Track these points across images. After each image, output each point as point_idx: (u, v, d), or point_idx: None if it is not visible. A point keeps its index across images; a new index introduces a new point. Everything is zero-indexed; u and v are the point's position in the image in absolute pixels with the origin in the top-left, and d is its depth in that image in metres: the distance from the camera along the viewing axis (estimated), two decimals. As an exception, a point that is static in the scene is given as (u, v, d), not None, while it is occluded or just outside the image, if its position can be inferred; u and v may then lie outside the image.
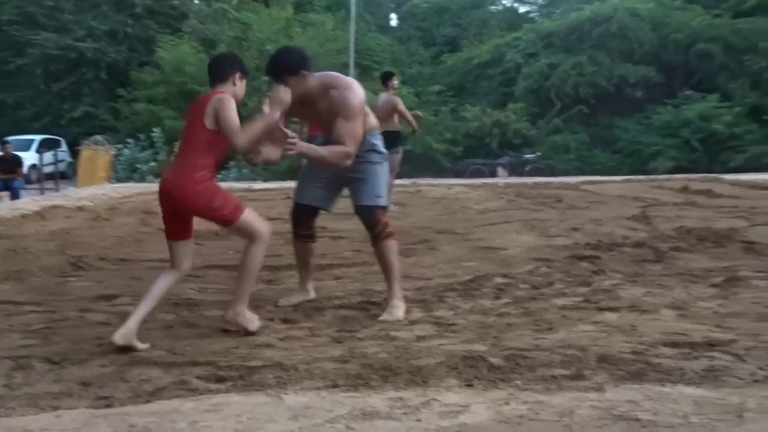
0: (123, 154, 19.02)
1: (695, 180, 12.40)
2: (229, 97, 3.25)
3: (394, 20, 32.20)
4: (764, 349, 2.91)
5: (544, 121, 21.61)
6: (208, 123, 3.20)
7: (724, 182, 11.89)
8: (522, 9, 32.24)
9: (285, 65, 3.56)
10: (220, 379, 2.69)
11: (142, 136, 19.51)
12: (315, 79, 3.61)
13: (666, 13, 22.66)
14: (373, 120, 3.81)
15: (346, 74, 17.40)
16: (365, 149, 3.69)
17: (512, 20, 29.02)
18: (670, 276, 4.50)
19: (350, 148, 3.49)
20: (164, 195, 3.27)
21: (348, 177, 3.73)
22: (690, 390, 2.42)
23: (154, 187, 13.46)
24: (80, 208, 9.27)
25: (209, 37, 21.64)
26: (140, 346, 3.10)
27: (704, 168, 17.32)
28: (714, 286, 4.19)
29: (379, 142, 3.80)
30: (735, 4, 24.00)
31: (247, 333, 3.31)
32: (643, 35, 21.79)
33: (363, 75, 23.14)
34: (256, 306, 3.91)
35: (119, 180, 17.61)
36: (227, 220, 3.27)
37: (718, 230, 6.14)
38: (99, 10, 23.05)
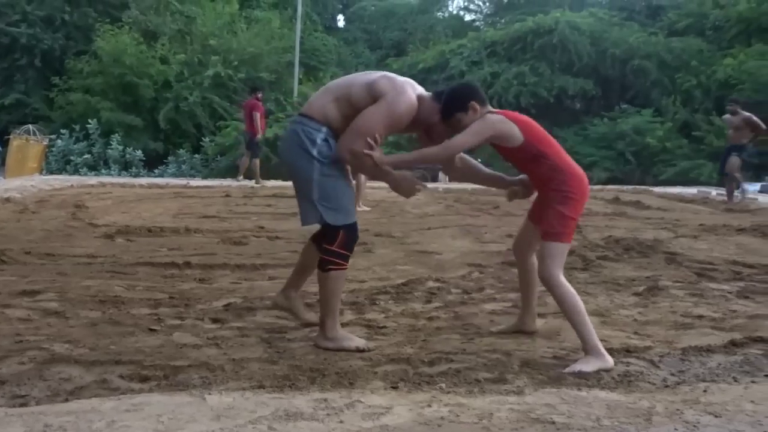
0: (56, 144, 18.41)
1: (626, 191, 12.88)
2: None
3: (341, 21, 32.18)
4: (677, 356, 3.05)
5: (486, 129, 21.94)
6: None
7: (653, 194, 12.38)
8: (467, 17, 32.69)
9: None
10: (143, 379, 2.65)
11: (76, 128, 18.92)
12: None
13: (604, 29, 23.37)
14: None
15: (291, 74, 17.30)
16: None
17: (457, 27, 29.38)
18: (596, 284, 4.66)
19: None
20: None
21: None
22: (604, 394, 2.52)
23: (87, 180, 13.12)
24: (7, 200, 8.95)
25: (151, 28, 21.15)
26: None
27: (637, 180, 17.95)
28: (636, 294, 4.36)
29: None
30: (669, 24, 25.00)
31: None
32: (582, 49, 22.42)
33: (308, 75, 23.09)
34: (186, 305, 3.88)
35: (51, 172, 17.05)
36: None
37: (644, 241, 6.37)
38: (35, -6, 22.22)
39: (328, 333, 3.15)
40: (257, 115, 13.08)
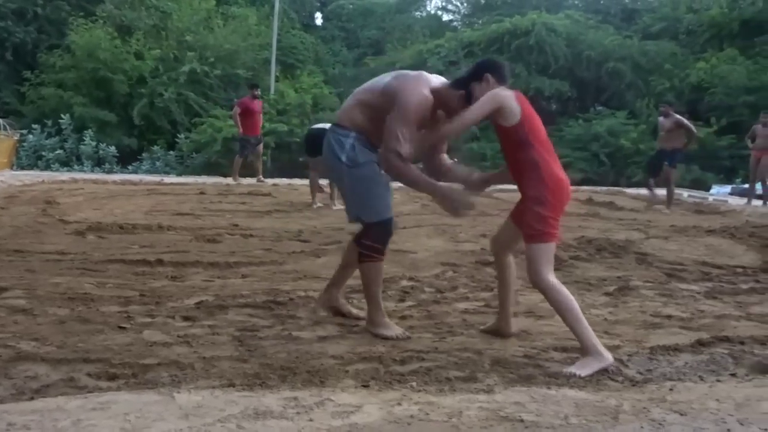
0: (27, 140, 18.10)
1: (600, 192, 12.99)
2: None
3: (318, 19, 32.07)
4: (645, 355, 3.09)
5: (463, 129, 22.07)
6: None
7: (626, 196, 12.51)
8: (445, 17, 32.81)
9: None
10: (111, 377, 2.62)
11: (49, 123, 18.63)
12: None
13: (580, 31, 23.62)
14: None
15: (268, 71, 17.01)
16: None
17: (435, 27, 29.46)
18: (568, 284, 4.63)
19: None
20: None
21: None
22: (573, 393, 2.54)
23: (59, 176, 12.93)
24: (-25, 195, 8.78)
25: (125, 23, 20.89)
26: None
27: (611, 181, 18.16)
28: (607, 294, 4.42)
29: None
30: (644, 27, 25.36)
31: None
32: (558, 50, 22.63)
33: (285, 72, 22.98)
34: (157, 302, 3.84)
35: (22, 167, 16.76)
36: None
37: (616, 241, 6.45)
38: (7, -13, 21.85)
39: (373, 318, 3.40)
40: (236, 111, 12.74)
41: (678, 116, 10.26)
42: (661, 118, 10.54)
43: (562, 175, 3.16)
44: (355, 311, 3.70)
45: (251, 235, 6.47)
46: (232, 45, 21.05)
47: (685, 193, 13.07)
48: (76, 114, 18.76)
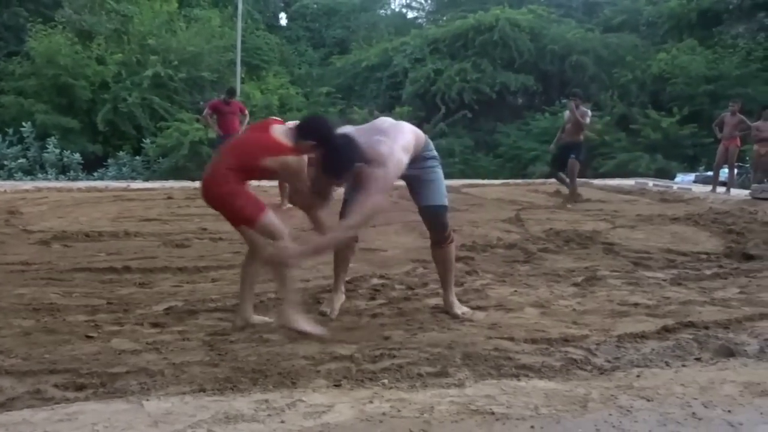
0: (-12, 149, 17.72)
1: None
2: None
3: (283, 19, 31.91)
4: (613, 344, 3.15)
5: (430, 125, 22.14)
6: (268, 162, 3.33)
7: (592, 187, 12.68)
8: (410, 14, 32.91)
9: (346, 167, 3.40)
10: (79, 387, 2.58)
11: (9, 131, 18.24)
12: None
13: (543, 25, 23.87)
14: (420, 141, 3.70)
15: (233, 72, 16.78)
16: (422, 159, 3.69)
17: (400, 25, 29.53)
18: (537, 276, 4.75)
19: (353, 221, 3.42)
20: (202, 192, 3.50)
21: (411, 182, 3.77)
22: (543, 383, 2.58)
23: (22, 185, 12.67)
24: (-65, 207, 8.56)
25: (85, 28, 20.55)
26: (265, 319, 3.53)
27: (578, 173, 18.38)
28: (575, 285, 4.48)
29: (430, 151, 3.78)
30: (604, 20, 25.72)
31: (302, 335, 3.24)
32: (522, 45, 22.84)
33: (251, 74, 22.82)
34: (125, 310, 3.79)
35: (-17, 177, 16.41)
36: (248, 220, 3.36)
37: (584, 232, 6.54)
38: (-39, -7, 21.36)
39: (451, 302, 3.80)
40: (207, 113, 12.57)
41: (584, 109, 9.97)
42: (567, 113, 10.17)
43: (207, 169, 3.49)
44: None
45: (220, 239, 6.42)
46: (196, 47, 20.83)
47: (650, 182, 13.29)
48: (38, 121, 18.40)
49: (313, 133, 3.36)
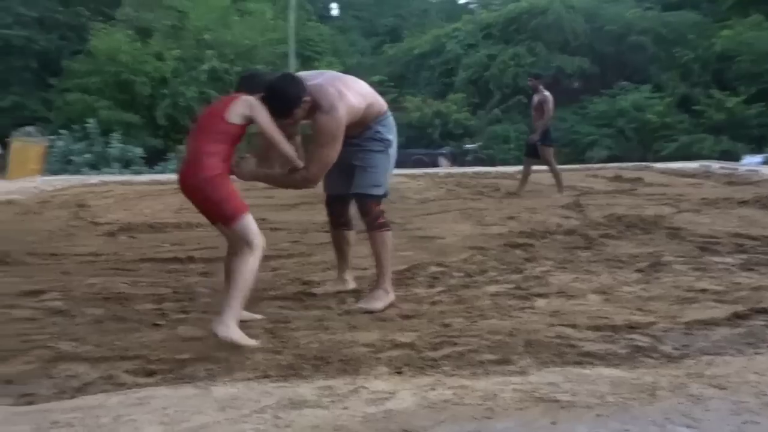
0: (56, 145, 18.40)
1: (627, 169, 12.84)
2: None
3: (334, 10, 32.06)
4: (680, 331, 3.06)
5: (485, 111, 21.96)
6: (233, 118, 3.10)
7: (654, 171, 12.35)
8: (461, 0, 32.56)
9: (291, 102, 3.32)
10: (149, 373, 2.66)
11: (76, 127, 18.91)
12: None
13: (599, 6, 23.29)
14: (377, 106, 3.69)
15: (286, 65, 17.18)
16: (367, 137, 3.66)
17: (451, 11, 29.31)
18: (598, 262, 4.65)
19: (310, 172, 3.42)
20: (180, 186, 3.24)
21: (352, 164, 3.69)
22: (608, 371, 2.52)
23: (88, 179, 13.13)
24: (9, 202, 8.96)
25: (144, 25, 21.08)
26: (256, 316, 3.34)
27: (638, 157, 17.91)
28: (638, 271, 4.36)
29: (384, 129, 3.71)
30: (664, -2, 24.86)
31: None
32: (578, 27, 22.34)
33: (304, 65, 22.99)
34: (190, 299, 3.90)
35: (52, 172, 17.04)
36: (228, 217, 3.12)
37: (646, 217, 6.37)
38: (27, -5, 22.19)
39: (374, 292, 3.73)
40: None
41: (546, 93, 9.17)
42: (535, 97, 9.36)
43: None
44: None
45: (279, 228, 6.51)
46: (250, 41, 21.15)
47: (715, 165, 12.84)
48: (101, 117, 19.03)
49: (254, 85, 3.29)
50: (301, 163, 3.42)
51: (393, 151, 3.80)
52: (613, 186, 9.97)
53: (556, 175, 9.18)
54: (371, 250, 3.81)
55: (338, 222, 4.01)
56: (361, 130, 3.64)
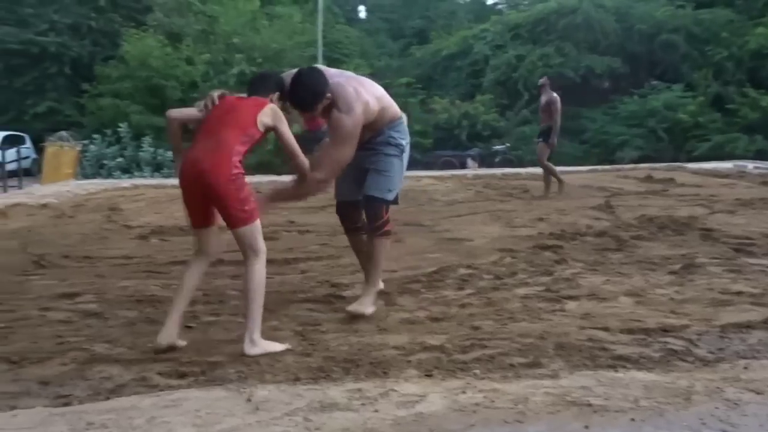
0: (89, 150, 18.71)
1: (659, 169, 12.64)
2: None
3: (362, 12, 32.15)
4: (715, 334, 3.00)
5: (513, 113, 21.78)
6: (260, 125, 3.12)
7: (686, 171, 12.14)
8: (489, 1, 32.38)
9: (317, 95, 3.38)
10: (181, 375, 2.70)
11: (108, 132, 19.22)
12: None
13: (630, 4, 22.95)
14: (391, 111, 3.68)
15: (314, 67, 17.03)
16: (381, 141, 3.64)
17: (479, 12, 29.16)
18: (630, 264, 4.59)
19: (323, 172, 3.41)
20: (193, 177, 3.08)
21: (364, 168, 3.66)
22: (641, 375, 2.49)
23: (121, 183, 13.33)
24: (44, 206, 9.12)
25: (174, 30, 21.35)
26: (181, 343, 3.02)
27: (670, 157, 17.62)
28: (671, 273, 4.30)
29: (398, 134, 3.69)
30: (696, -5, 24.40)
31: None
32: (607, 26, 22.05)
33: (332, 68, 23.06)
34: (220, 301, 3.93)
35: (86, 176, 17.33)
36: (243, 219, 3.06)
37: (679, 218, 6.28)
38: (61, 3, 22.58)
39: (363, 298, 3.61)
40: None
41: (554, 95, 9.29)
42: (543, 98, 9.45)
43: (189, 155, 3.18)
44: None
45: (307, 231, 6.55)
46: (279, 44, 21.26)
47: (749, 165, 12.59)
48: (133, 122, 19.28)
49: (267, 87, 3.35)
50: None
51: (406, 156, 3.76)
52: (645, 187, 9.84)
53: (548, 174, 9.24)
54: (370, 254, 3.70)
55: (353, 227, 3.91)
56: (374, 135, 3.62)
